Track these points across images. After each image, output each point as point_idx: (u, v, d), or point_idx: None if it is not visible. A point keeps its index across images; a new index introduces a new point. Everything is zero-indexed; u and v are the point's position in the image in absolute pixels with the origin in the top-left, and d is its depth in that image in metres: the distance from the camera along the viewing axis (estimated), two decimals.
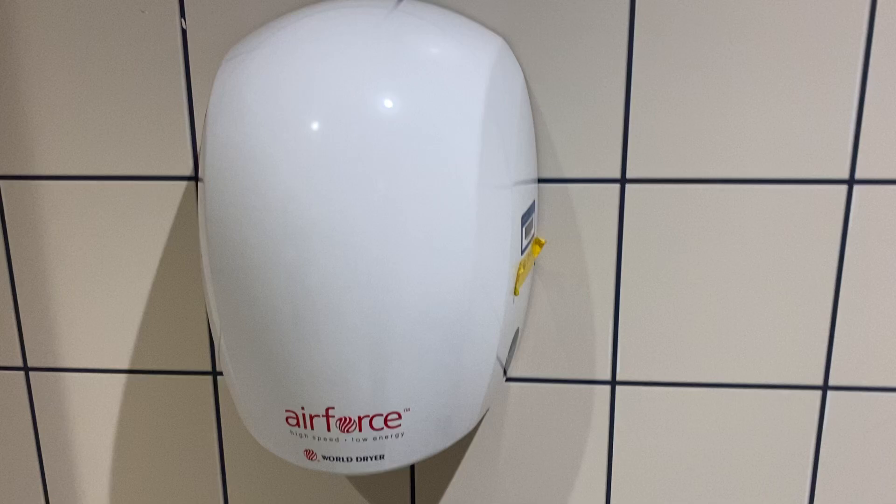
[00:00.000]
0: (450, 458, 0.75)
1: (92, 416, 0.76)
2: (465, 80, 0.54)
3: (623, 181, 0.65)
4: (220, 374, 0.74)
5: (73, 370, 0.75)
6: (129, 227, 0.70)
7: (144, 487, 0.78)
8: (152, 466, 0.77)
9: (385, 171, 0.50)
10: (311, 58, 0.52)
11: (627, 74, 0.63)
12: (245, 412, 0.60)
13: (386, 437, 0.56)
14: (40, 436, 0.77)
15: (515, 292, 0.60)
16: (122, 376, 0.75)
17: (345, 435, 0.55)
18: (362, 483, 0.75)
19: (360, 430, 0.55)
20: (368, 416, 0.54)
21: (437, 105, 0.52)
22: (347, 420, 0.55)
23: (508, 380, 0.71)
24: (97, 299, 0.72)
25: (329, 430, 0.55)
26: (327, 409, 0.54)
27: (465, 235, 0.53)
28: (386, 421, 0.55)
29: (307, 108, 0.51)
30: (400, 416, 0.55)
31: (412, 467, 0.75)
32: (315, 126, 0.50)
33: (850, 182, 0.64)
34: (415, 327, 0.53)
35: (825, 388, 0.69)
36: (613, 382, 0.70)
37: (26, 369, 0.75)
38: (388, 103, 0.51)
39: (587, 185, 0.66)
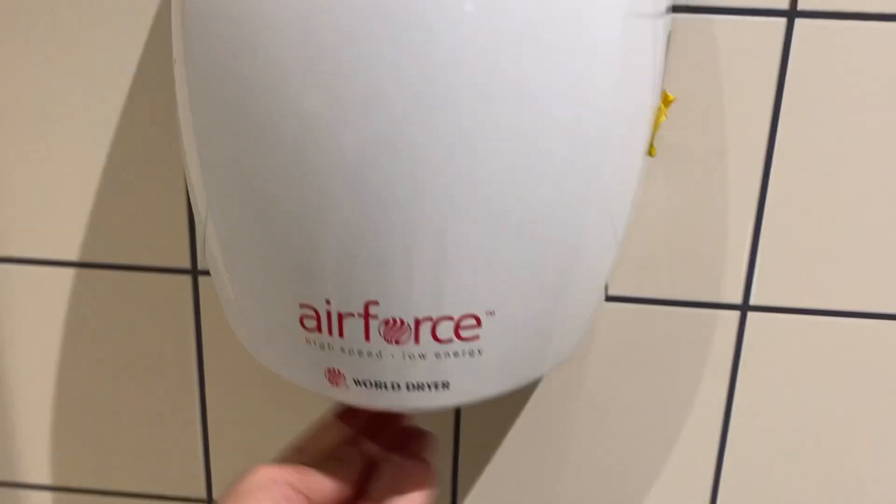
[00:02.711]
0: (511, 403, 0.56)
1: (38, 318, 0.57)
2: None
3: (793, 13, 0.46)
4: (203, 273, 0.55)
5: (15, 261, 0.56)
6: (83, 70, 0.51)
7: (105, 408, 0.60)
8: (115, 385, 0.59)
9: None
10: None
11: None
12: (237, 313, 0.40)
13: (455, 353, 0.36)
14: None
15: (651, 152, 0.41)
16: (74, 271, 0.56)
17: (392, 347, 0.36)
18: None
19: (417, 340, 0.36)
20: (431, 318, 0.35)
21: None
22: (397, 323, 0.35)
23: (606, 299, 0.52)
24: (41, 172, 0.53)
25: (368, 338, 0.36)
26: (367, 305, 0.35)
27: (606, 68, 0.34)
28: (457, 329, 0.36)
29: None
30: (478, 324, 0.36)
31: (458, 413, 0.57)
32: None
33: None
34: (516, 178, 0.34)
35: None
36: (745, 308, 0.52)
37: None
38: None
39: (741, 17, 0.46)
